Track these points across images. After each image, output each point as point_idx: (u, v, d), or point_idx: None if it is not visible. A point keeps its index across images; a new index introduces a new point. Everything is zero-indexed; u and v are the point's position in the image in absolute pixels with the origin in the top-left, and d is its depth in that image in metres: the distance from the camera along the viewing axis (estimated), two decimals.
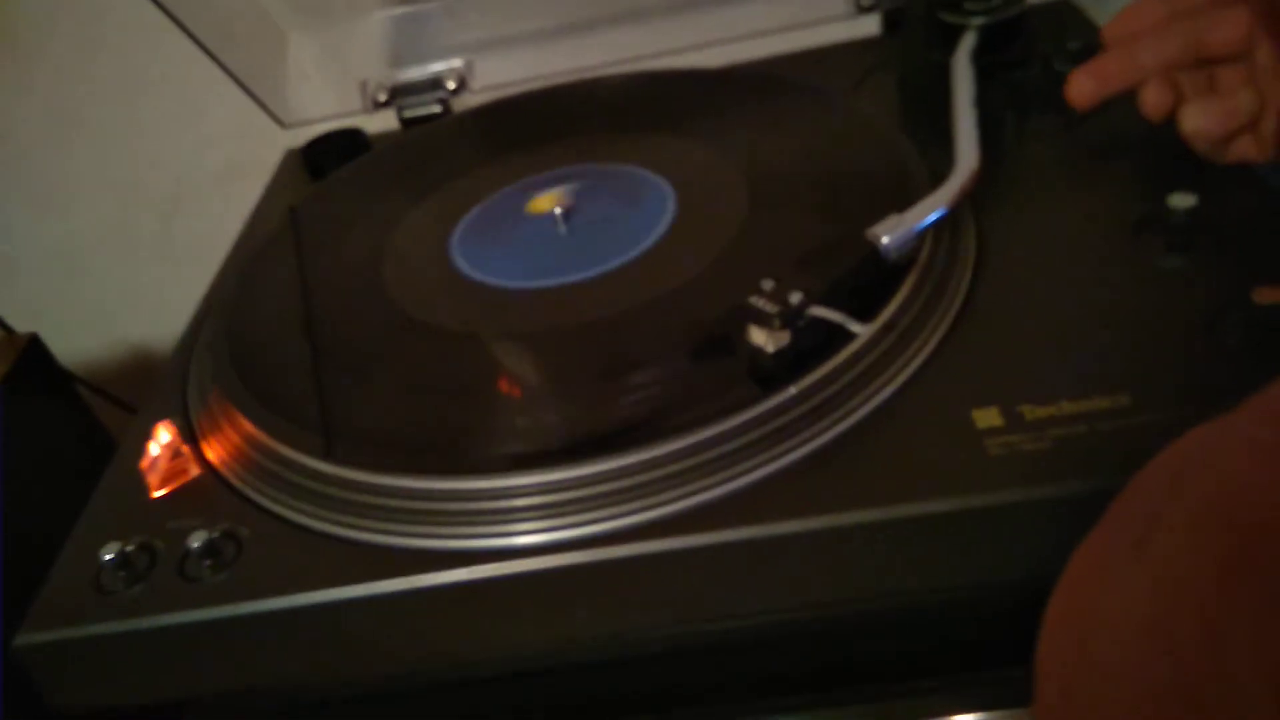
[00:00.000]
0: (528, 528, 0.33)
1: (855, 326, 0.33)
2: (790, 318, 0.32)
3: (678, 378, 0.36)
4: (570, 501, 0.33)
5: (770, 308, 0.32)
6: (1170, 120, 0.39)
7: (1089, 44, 0.51)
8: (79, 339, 0.83)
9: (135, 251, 0.83)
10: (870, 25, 0.61)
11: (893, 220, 0.35)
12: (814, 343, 0.33)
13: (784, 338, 0.32)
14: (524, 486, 0.33)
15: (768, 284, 0.33)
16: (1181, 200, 0.38)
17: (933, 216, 0.36)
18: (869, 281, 0.35)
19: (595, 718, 0.39)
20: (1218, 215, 0.38)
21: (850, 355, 0.34)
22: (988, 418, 0.33)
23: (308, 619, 0.33)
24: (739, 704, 0.38)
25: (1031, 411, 0.33)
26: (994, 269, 0.39)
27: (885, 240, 0.35)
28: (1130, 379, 0.33)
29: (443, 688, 0.39)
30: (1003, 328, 0.36)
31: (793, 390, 0.33)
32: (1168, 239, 0.38)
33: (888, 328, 0.35)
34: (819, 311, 0.33)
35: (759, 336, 0.33)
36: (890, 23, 0.58)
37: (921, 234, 0.36)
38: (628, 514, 0.32)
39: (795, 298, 0.32)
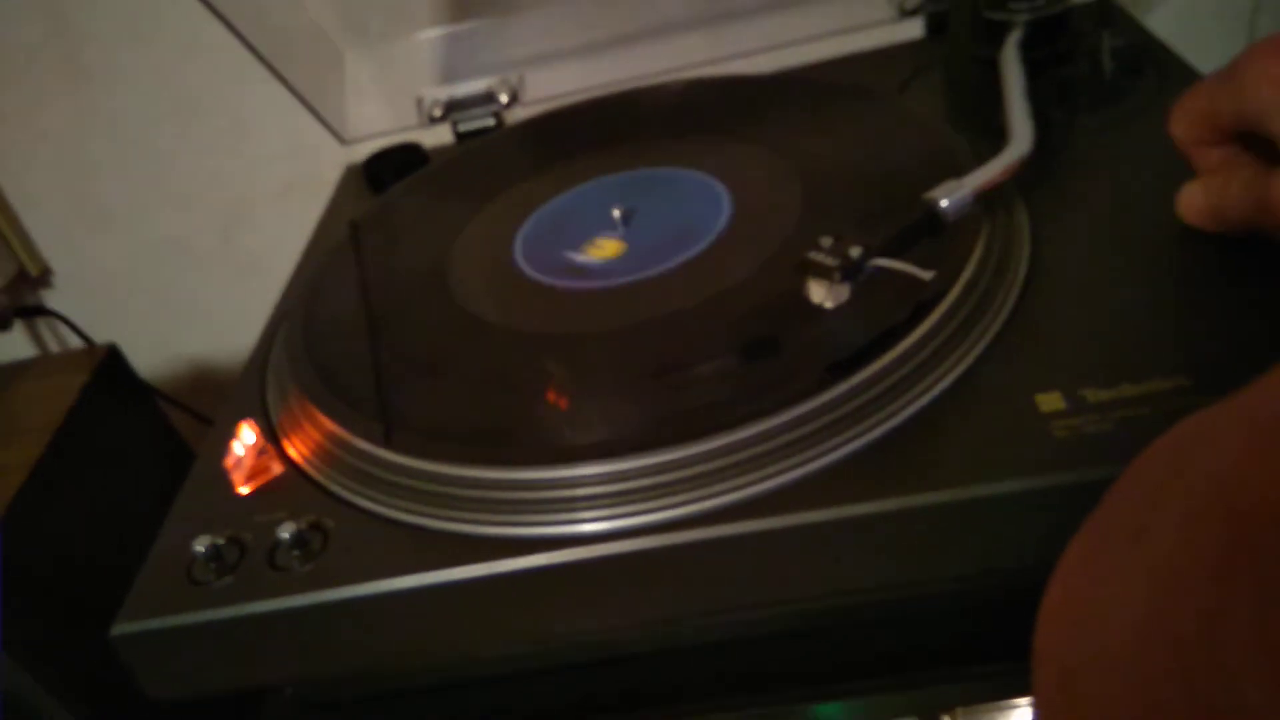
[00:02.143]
0: (595, 514, 0.34)
1: (921, 274, 0.33)
2: (850, 271, 0.33)
3: (742, 368, 0.37)
4: (639, 489, 0.34)
5: (830, 260, 0.33)
6: None
7: (1132, 41, 0.52)
8: (139, 351, 0.86)
9: (195, 267, 0.86)
10: (912, 29, 0.62)
11: (951, 184, 0.36)
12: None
13: (843, 292, 0.33)
14: (593, 475, 0.34)
15: (826, 240, 0.34)
16: None
17: (989, 180, 0.37)
18: (925, 238, 0.36)
19: (660, 705, 0.40)
20: None
21: (914, 343, 0.35)
22: (1051, 401, 0.33)
23: (392, 605, 0.35)
24: (799, 689, 0.39)
25: (1094, 394, 0.33)
26: (1047, 258, 0.39)
27: (944, 202, 0.36)
28: (1188, 362, 0.33)
29: (513, 677, 0.41)
30: (1059, 316, 0.37)
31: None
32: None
33: (956, 305, 0.36)
34: (881, 262, 0.34)
35: (818, 293, 0.34)
36: (934, 25, 0.59)
37: (977, 198, 0.37)
38: (698, 500, 0.33)
39: (855, 251, 0.33)
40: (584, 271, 0.45)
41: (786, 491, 0.33)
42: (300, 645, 0.36)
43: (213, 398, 0.82)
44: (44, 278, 0.86)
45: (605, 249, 0.46)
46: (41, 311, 0.59)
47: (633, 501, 0.34)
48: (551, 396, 0.39)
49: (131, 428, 0.56)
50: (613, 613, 0.35)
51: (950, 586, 0.37)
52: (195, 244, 0.85)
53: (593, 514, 0.34)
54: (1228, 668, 0.17)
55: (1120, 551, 0.21)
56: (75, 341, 0.78)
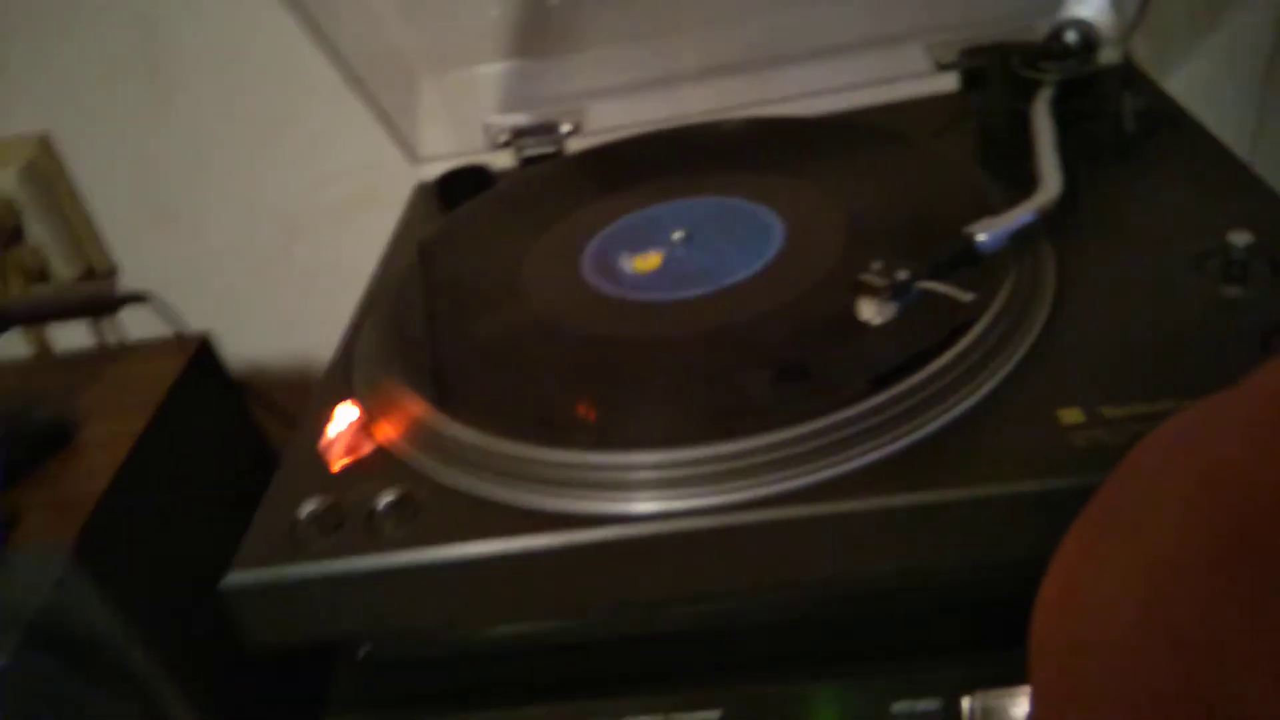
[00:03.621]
0: (651, 495, 0.38)
1: (962, 296, 0.38)
2: (898, 291, 0.38)
3: (795, 376, 0.41)
4: (691, 477, 0.38)
5: (880, 281, 0.38)
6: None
7: (1151, 102, 0.57)
8: None
9: (254, 273, 0.90)
10: (946, 82, 0.67)
11: (988, 221, 0.41)
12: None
13: (890, 311, 0.38)
14: (651, 462, 0.39)
15: (876, 264, 0.39)
16: (1239, 237, 0.43)
17: (1023, 219, 0.41)
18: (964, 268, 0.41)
19: (693, 681, 0.43)
20: (1272, 249, 0.43)
21: (949, 361, 0.39)
22: (1071, 416, 0.38)
23: (472, 568, 0.39)
24: (826, 669, 0.43)
25: (1110, 411, 0.38)
26: (1070, 290, 0.44)
27: (982, 236, 0.41)
28: (1196, 386, 0.38)
29: (562, 648, 0.45)
30: (1081, 341, 0.41)
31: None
32: (1227, 270, 0.43)
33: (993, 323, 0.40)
34: (927, 284, 0.38)
35: (867, 310, 0.38)
36: (969, 80, 0.64)
37: (1011, 235, 0.42)
38: (749, 488, 0.38)
39: (903, 274, 0.38)
40: (650, 286, 0.49)
41: (829, 484, 0.37)
42: (390, 602, 0.40)
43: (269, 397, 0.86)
44: (110, 276, 0.91)
45: (649, 261, 0.51)
46: (138, 299, 0.64)
47: (685, 487, 0.38)
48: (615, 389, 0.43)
49: (219, 412, 0.61)
50: (661, 585, 0.39)
51: (972, 576, 0.41)
52: (256, 251, 0.90)
53: (648, 495, 0.38)
54: (1225, 658, 0.17)
55: (1117, 543, 0.21)
56: (154, 331, 0.82)
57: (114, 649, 0.48)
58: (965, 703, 0.41)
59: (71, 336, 0.90)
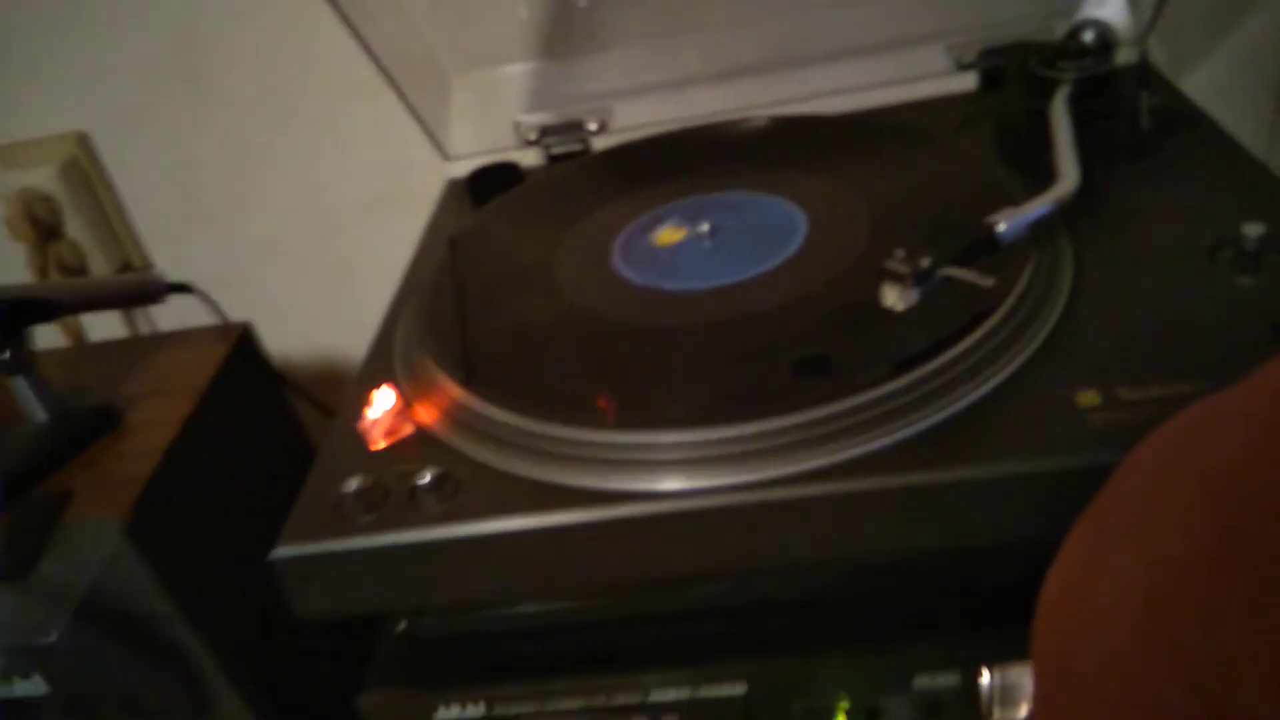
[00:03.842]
0: (677, 473, 0.40)
1: (984, 281, 0.39)
2: (921, 277, 0.39)
3: (818, 362, 0.43)
4: (719, 456, 0.40)
5: (904, 268, 0.39)
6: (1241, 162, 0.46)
7: (1167, 102, 0.58)
8: None
9: (286, 268, 0.92)
10: (963, 82, 0.68)
11: (1008, 211, 0.43)
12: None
13: (913, 297, 0.39)
14: (675, 443, 0.40)
15: (899, 252, 0.40)
16: (1252, 228, 0.44)
17: (1041, 210, 0.43)
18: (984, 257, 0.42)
19: (721, 654, 0.45)
20: None
21: (970, 345, 0.41)
22: (1088, 398, 0.39)
23: (510, 542, 0.40)
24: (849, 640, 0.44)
25: (1126, 394, 0.39)
26: (1088, 279, 0.45)
27: (1002, 226, 0.42)
28: (1209, 370, 0.39)
29: (593, 625, 0.47)
30: (1098, 327, 0.43)
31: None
32: (1240, 260, 0.44)
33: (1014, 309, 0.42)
34: (949, 271, 0.40)
35: (891, 296, 0.40)
36: (988, 79, 0.66)
37: (1030, 226, 0.43)
38: (779, 466, 0.39)
39: (926, 261, 0.39)
40: (677, 277, 0.51)
41: (853, 463, 0.39)
42: (430, 575, 0.42)
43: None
44: (146, 271, 0.93)
45: (674, 234, 0.53)
46: (183, 289, 0.66)
47: (713, 466, 0.40)
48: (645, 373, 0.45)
49: (259, 400, 0.63)
50: (689, 559, 0.41)
51: (992, 553, 0.42)
52: (288, 247, 0.92)
53: (676, 473, 0.40)
54: (1226, 658, 0.17)
55: (1119, 544, 0.21)
56: (186, 324, 0.84)
57: (160, 625, 0.50)
58: (984, 678, 0.43)
59: (103, 328, 0.93)
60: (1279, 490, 0.18)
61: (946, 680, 0.43)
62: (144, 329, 0.94)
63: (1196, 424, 0.22)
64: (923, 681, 0.43)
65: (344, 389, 0.50)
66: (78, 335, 0.91)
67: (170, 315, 0.88)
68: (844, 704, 0.44)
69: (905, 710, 0.44)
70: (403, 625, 0.48)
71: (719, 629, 0.45)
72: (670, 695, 0.45)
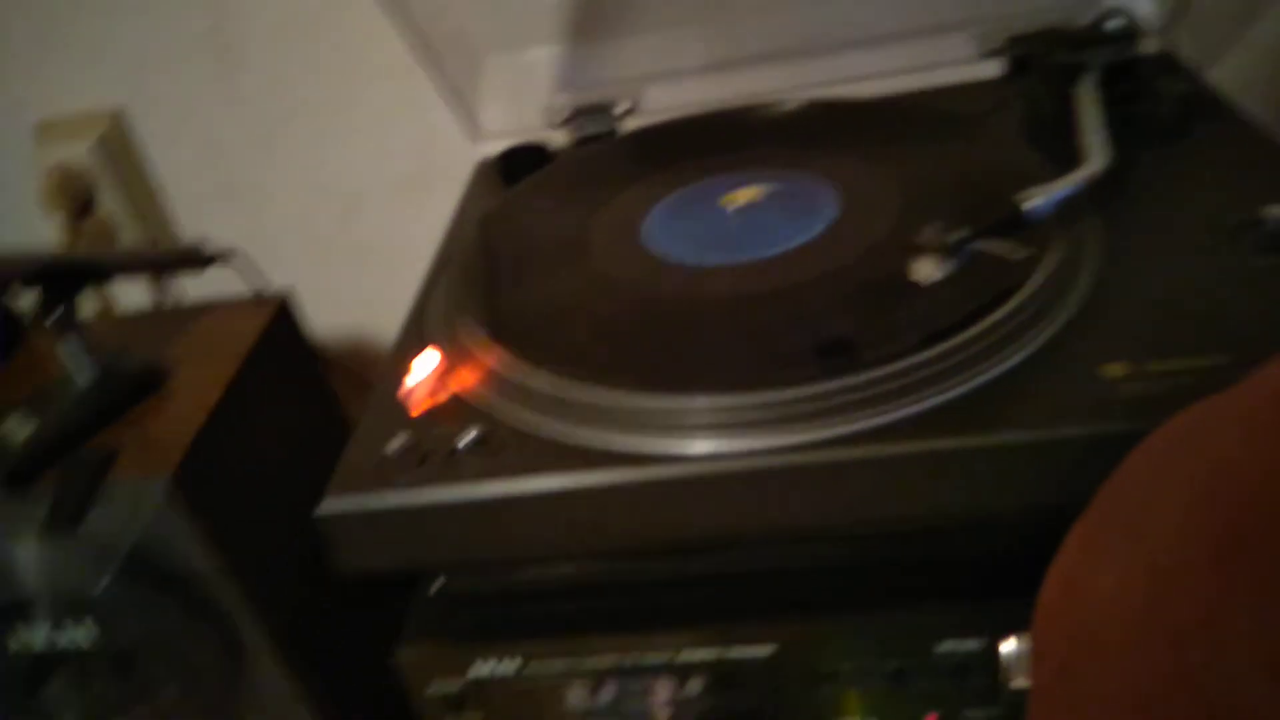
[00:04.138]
0: (707, 436, 0.41)
1: (1015, 255, 0.40)
2: (953, 250, 0.40)
3: (852, 333, 0.44)
4: (751, 420, 0.41)
5: (937, 242, 0.40)
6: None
7: (1191, 90, 0.59)
8: None
9: (315, 250, 0.94)
10: (989, 69, 0.69)
11: (1038, 190, 0.44)
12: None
13: (944, 270, 0.41)
14: (706, 408, 0.42)
15: (931, 227, 0.41)
16: (1275, 211, 0.46)
17: (1071, 189, 0.44)
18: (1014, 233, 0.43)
19: (753, 617, 0.46)
20: None
21: (1000, 318, 0.42)
22: (1116, 370, 0.40)
23: (548, 501, 0.42)
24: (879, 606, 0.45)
25: (1154, 365, 0.40)
26: (1114, 261, 0.46)
27: (1033, 203, 0.43)
28: (1233, 345, 0.40)
29: (634, 585, 0.48)
30: (1126, 302, 0.44)
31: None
32: (1263, 241, 0.45)
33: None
34: (982, 245, 0.41)
35: (923, 269, 0.41)
36: (1016, 66, 0.67)
37: (1059, 204, 0.44)
38: (809, 431, 0.40)
39: (958, 235, 0.40)
40: (713, 249, 0.52)
41: (884, 429, 0.40)
42: (470, 533, 0.43)
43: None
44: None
45: (747, 194, 0.54)
46: (225, 258, 0.67)
47: (747, 430, 0.41)
48: (678, 338, 0.46)
49: (298, 370, 0.64)
50: (720, 521, 0.42)
51: (1018, 518, 0.43)
52: (316, 226, 0.93)
53: (707, 436, 0.41)
54: (1226, 657, 0.17)
55: (1118, 543, 0.22)
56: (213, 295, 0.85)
57: (200, 582, 0.51)
58: (1005, 645, 0.44)
59: (130, 298, 0.94)
60: (1277, 491, 0.18)
61: (970, 646, 0.44)
62: (170, 300, 0.96)
63: (1196, 425, 0.22)
64: (946, 647, 0.45)
65: (375, 365, 0.52)
66: (108, 304, 0.93)
67: (199, 291, 0.89)
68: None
69: (929, 675, 0.45)
70: (439, 584, 0.49)
71: (748, 592, 0.47)
72: (699, 656, 0.46)
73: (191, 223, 0.94)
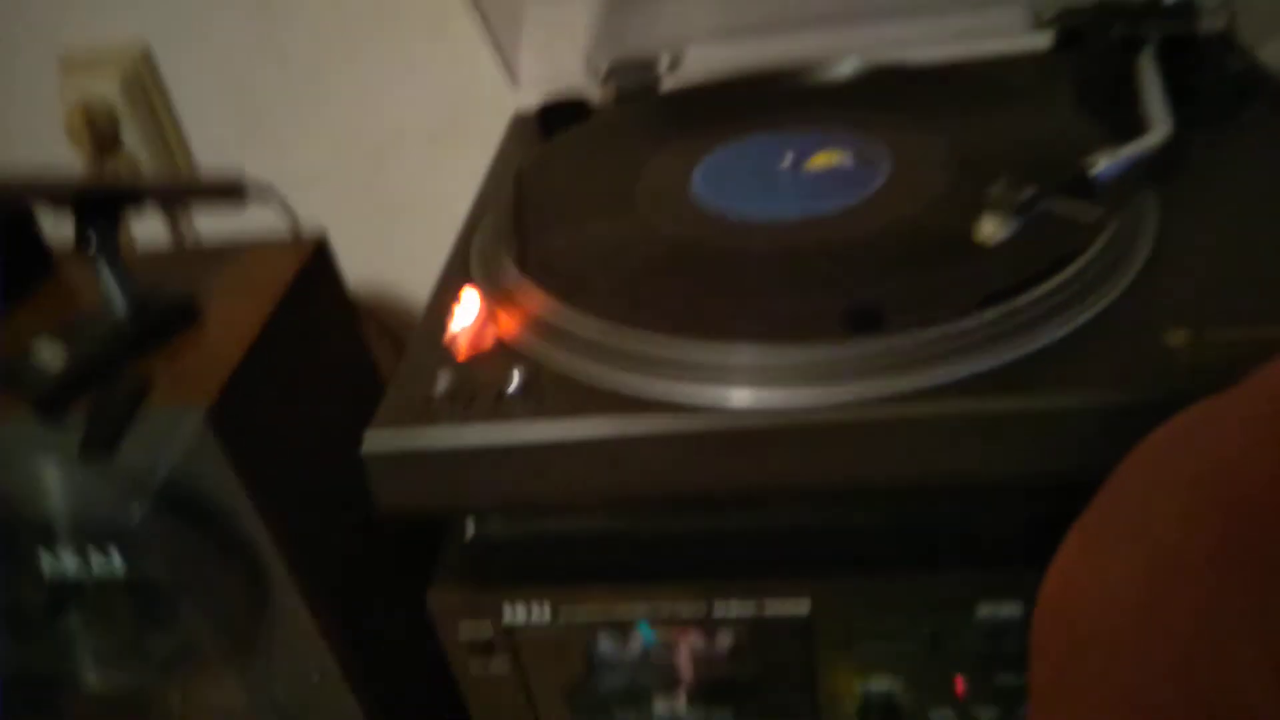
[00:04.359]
0: (746, 389, 0.41)
1: (1086, 214, 0.40)
2: (1023, 207, 0.40)
3: (910, 292, 0.43)
4: (793, 373, 0.41)
5: (1007, 198, 0.40)
6: None
7: (1247, 66, 0.59)
8: None
9: (341, 200, 0.93)
10: (1038, 41, 0.68)
11: (1105, 154, 0.43)
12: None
13: (1010, 228, 0.40)
14: (748, 362, 0.41)
15: (999, 184, 0.41)
16: None
17: (1137, 154, 0.44)
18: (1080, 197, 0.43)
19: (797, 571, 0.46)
20: None
21: (1062, 281, 0.41)
22: (1176, 337, 0.40)
23: (595, 447, 0.41)
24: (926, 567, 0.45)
25: (1211, 334, 0.40)
26: (1175, 226, 0.46)
27: (1098, 167, 0.43)
28: None
29: (671, 537, 0.48)
30: (1186, 272, 0.43)
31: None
32: None
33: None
34: (1052, 204, 0.40)
35: (989, 226, 0.40)
36: (1066, 38, 0.66)
37: (1126, 169, 0.44)
38: (864, 388, 0.40)
39: (1028, 192, 0.40)
40: (763, 203, 0.51)
41: (936, 390, 0.39)
42: (512, 475, 0.43)
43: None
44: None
45: (761, 164, 0.54)
46: (263, 193, 0.66)
47: (795, 381, 0.40)
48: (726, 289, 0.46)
49: (333, 311, 0.64)
50: (765, 475, 0.42)
51: (1066, 481, 0.43)
52: (343, 176, 0.92)
53: (737, 384, 0.41)
54: (1225, 656, 0.17)
55: (1119, 542, 0.21)
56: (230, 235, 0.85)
57: (231, 517, 0.51)
58: None
59: (151, 236, 0.93)
60: (1277, 490, 0.18)
61: (1009, 610, 0.44)
62: (190, 239, 0.95)
63: (1196, 425, 0.22)
64: (985, 610, 0.44)
65: (399, 315, 0.50)
66: (129, 246, 0.92)
67: (217, 231, 0.88)
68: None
69: (965, 638, 0.45)
70: (471, 530, 0.49)
71: (786, 547, 0.46)
72: (734, 611, 0.46)
73: (214, 166, 0.93)
